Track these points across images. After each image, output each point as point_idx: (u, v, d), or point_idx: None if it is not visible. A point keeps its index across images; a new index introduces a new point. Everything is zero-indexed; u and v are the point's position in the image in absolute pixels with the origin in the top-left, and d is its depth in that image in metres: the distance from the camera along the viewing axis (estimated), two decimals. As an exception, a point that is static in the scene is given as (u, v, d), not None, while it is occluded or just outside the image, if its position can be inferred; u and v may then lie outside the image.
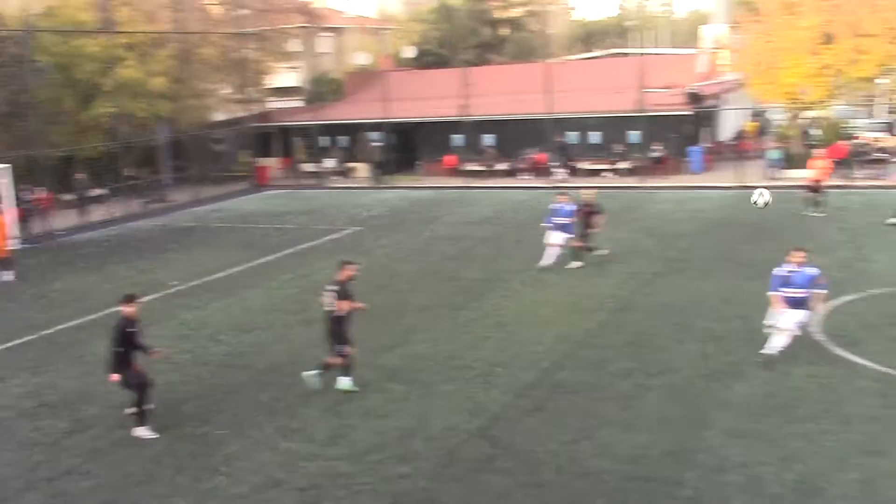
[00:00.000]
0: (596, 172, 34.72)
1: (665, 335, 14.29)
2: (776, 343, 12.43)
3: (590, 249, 19.63)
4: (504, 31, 65.81)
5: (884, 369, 12.15)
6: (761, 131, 39.89)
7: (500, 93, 38.32)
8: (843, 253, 19.60)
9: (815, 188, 24.47)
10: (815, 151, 27.87)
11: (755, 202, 13.88)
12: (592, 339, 14.29)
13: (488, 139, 37.98)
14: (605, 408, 11.34)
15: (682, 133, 34.93)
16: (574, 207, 19.50)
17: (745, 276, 17.35)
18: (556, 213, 19.54)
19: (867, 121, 38.64)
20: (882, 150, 31.05)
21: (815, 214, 23.79)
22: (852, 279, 17.01)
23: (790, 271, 12.36)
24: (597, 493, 9.14)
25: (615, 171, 34.75)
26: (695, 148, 34.88)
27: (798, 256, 12.47)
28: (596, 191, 21.08)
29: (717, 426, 10.59)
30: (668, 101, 33.87)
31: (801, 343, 12.79)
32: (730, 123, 40.16)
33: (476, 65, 45.39)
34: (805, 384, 11.72)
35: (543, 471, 9.68)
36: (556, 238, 19.47)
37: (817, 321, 13.78)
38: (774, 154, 32.06)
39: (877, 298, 15.79)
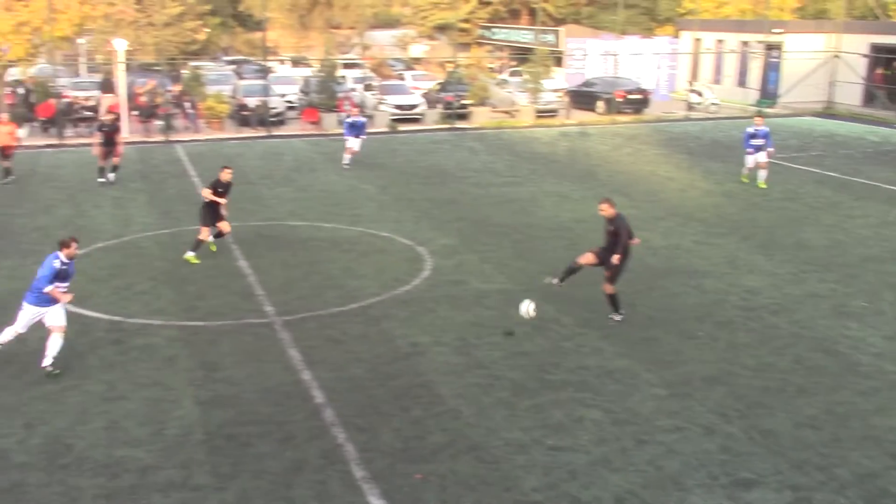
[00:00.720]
0: None
1: None
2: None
3: None
4: None
5: (115, 318, 12.75)
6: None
7: None
8: (63, 211, 19.73)
9: (2, 153, 22.85)
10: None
11: (526, 313, 12.81)
12: None
13: None
14: None
15: None
16: None
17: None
18: None
19: (76, 79, 39.00)
20: (90, 108, 31.75)
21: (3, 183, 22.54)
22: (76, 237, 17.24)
23: (64, 263, 11.02)
24: None
25: None
26: None
27: (72, 248, 11.19)
28: None
29: (-50, 409, 9.83)
30: None
31: None
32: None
33: None
34: (35, 347, 11.55)
35: None
36: None
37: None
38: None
39: (101, 251, 16.37)
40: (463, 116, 35.65)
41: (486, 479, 8.59)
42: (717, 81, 45.06)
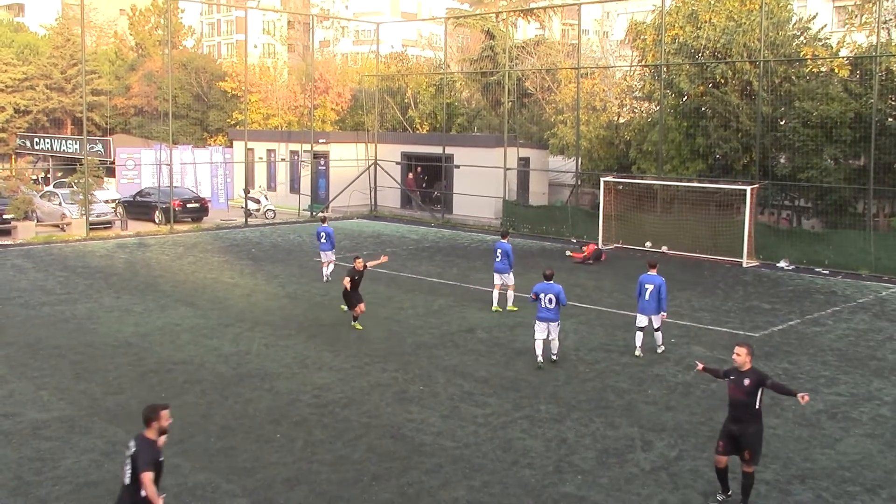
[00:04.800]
0: None
1: None
2: None
3: None
4: None
5: None
6: None
7: None
8: None
9: None
10: None
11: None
12: None
13: None
14: None
15: None
16: None
17: None
18: None
19: None
20: None
21: None
22: None
23: None
24: None
25: None
26: None
27: None
28: None
29: None
30: None
31: None
32: None
33: None
34: None
35: None
36: None
37: None
38: None
39: None
40: (5, 232, 32.62)
41: None
42: (272, 188, 46.79)
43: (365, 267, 19.32)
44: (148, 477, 7.60)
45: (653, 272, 17.13)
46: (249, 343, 17.83)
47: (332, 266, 25.09)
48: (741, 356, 10.09)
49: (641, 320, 17.10)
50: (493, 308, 21.00)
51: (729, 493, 10.40)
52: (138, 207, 39.06)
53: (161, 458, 7.91)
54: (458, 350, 17.52)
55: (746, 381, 10.01)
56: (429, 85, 49.09)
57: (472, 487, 10.86)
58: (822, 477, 11.28)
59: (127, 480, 7.78)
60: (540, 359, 16.18)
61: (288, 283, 24.67)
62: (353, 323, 19.23)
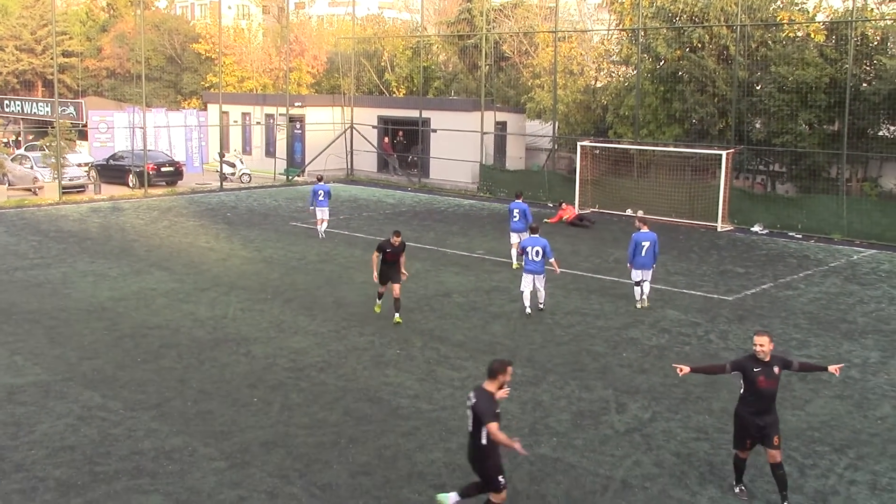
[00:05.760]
0: None
1: None
2: None
3: None
4: None
5: None
6: None
7: None
8: None
9: None
10: None
11: None
12: None
13: None
14: None
15: None
16: None
17: None
18: None
19: None
20: None
21: None
22: None
23: None
24: None
25: None
26: None
27: None
28: None
29: None
30: None
31: None
32: None
33: None
34: None
35: None
36: None
37: None
38: None
39: None
40: (-26, 196, 32.19)
41: None
42: (247, 152, 46.39)
43: (402, 245, 16.57)
44: (494, 426, 8.20)
45: (645, 229, 17.95)
46: (225, 307, 17.78)
47: (325, 224, 26.00)
48: (765, 346, 9.28)
49: (637, 275, 18.03)
50: (514, 266, 21.60)
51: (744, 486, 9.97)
52: (112, 171, 38.63)
53: (498, 410, 8.41)
54: (435, 314, 17.58)
55: (776, 370, 9.40)
56: (405, 48, 48.67)
57: (449, 450, 10.96)
58: (791, 437, 11.48)
59: (470, 428, 8.48)
60: (528, 309, 17.32)
61: (264, 247, 24.57)
62: (390, 314, 16.89)
